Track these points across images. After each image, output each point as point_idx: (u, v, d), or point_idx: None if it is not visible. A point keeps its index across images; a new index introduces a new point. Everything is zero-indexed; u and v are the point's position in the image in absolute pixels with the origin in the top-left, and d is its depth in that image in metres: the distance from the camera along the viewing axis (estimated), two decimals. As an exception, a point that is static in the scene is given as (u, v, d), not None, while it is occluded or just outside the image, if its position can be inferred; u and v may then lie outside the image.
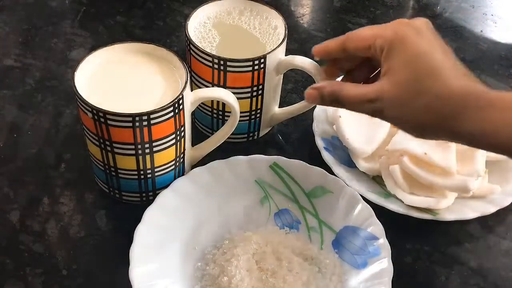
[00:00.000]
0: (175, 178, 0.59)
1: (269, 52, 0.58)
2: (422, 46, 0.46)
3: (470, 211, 0.59)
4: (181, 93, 0.53)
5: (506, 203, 0.60)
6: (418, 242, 0.59)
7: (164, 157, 0.56)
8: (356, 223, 0.56)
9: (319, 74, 0.56)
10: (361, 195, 0.58)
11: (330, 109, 0.65)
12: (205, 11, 0.63)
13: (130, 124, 0.52)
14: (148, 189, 0.58)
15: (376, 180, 0.62)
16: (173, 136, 0.55)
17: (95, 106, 0.51)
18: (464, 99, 0.45)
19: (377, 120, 0.50)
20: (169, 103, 0.52)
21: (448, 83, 0.45)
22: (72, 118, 0.68)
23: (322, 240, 0.57)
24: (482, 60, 0.80)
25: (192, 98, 0.56)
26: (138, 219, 0.54)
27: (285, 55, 0.61)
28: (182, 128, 0.56)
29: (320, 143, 0.63)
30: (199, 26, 0.62)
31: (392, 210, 0.58)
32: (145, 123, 0.52)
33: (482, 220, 0.60)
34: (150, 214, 0.55)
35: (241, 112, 0.59)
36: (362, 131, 0.61)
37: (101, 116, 0.51)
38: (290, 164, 0.60)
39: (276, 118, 0.66)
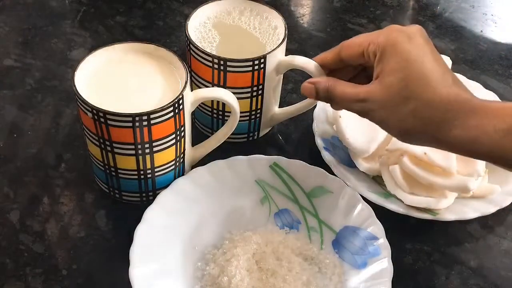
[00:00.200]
0: (175, 178, 0.59)
1: (269, 52, 0.58)
2: (413, 52, 0.47)
3: (470, 211, 0.59)
4: (181, 93, 0.53)
5: (506, 203, 0.60)
6: (418, 242, 0.59)
7: (164, 157, 0.56)
8: (356, 223, 0.56)
9: (319, 74, 0.56)
10: (361, 195, 0.58)
11: (330, 109, 0.65)
12: (205, 11, 0.63)
13: (130, 124, 0.52)
14: (148, 189, 0.58)
15: (376, 180, 0.62)
16: (173, 136, 0.55)
17: (95, 106, 0.51)
18: (449, 107, 0.46)
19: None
20: (169, 103, 0.52)
21: (436, 90, 0.46)
22: (72, 118, 0.68)
23: (322, 240, 0.57)
24: (482, 60, 0.80)
25: (192, 98, 0.56)
26: (138, 219, 0.54)
27: (285, 55, 0.61)
28: (182, 128, 0.56)
29: (320, 143, 0.63)
30: (199, 26, 0.62)
31: (392, 210, 0.58)
32: (145, 123, 0.52)
33: (482, 220, 0.61)
34: (150, 214, 0.55)
35: (241, 112, 0.59)
36: (362, 131, 0.61)
37: (101, 116, 0.51)
38: (290, 164, 0.60)
39: (276, 118, 0.66)
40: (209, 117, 0.64)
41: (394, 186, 0.59)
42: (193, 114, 0.66)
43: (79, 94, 0.52)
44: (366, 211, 0.56)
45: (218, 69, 0.58)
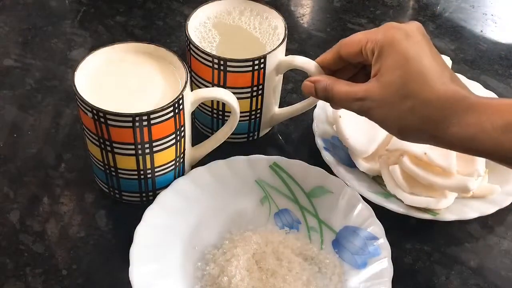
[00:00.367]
0: (175, 178, 0.59)
1: (269, 52, 0.58)
2: (411, 50, 0.47)
3: (470, 211, 0.59)
4: (181, 93, 0.53)
5: (506, 203, 0.60)
6: (418, 242, 0.59)
7: (164, 157, 0.56)
8: (356, 223, 0.56)
9: (319, 75, 0.56)
10: (361, 195, 0.58)
11: (330, 109, 0.65)
12: (205, 11, 0.63)
13: (130, 124, 0.52)
14: (148, 189, 0.58)
15: (376, 180, 0.62)
16: (173, 136, 0.55)
17: (95, 106, 0.51)
18: (447, 105, 0.46)
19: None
20: (169, 103, 0.52)
21: (434, 88, 0.46)
22: (72, 118, 0.68)
23: (322, 240, 0.57)
24: (482, 60, 0.80)
25: (192, 98, 0.56)
26: (138, 219, 0.54)
27: (285, 55, 0.61)
28: (182, 128, 0.56)
29: (320, 143, 0.63)
30: (199, 26, 0.62)
31: (392, 210, 0.58)
32: (145, 123, 0.52)
33: (482, 220, 0.61)
34: (150, 214, 0.55)
35: (241, 112, 0.59)
36: (362, 131, 0.61)
37: (101, 116, 0.51)
38: (290, 164, 0.60)
39: (276, 119, 0.66)
40: (209, 117, 0.64)
41: (394, 186, 0.59)
42: (193, 114, 0.66)
43: (79, 94, 0.52)
44: (366, 211, 0.56)
45: (218, 69, 0.58)
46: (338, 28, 0.84)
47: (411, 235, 0.59)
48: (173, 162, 0.57)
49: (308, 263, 0.55)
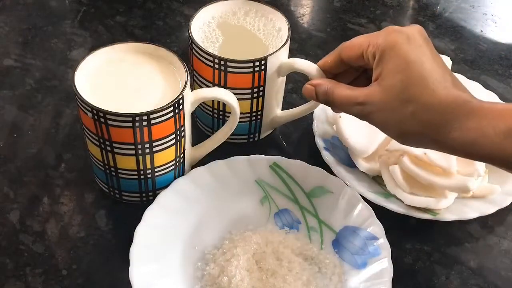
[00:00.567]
0: (175, 178, 0.59)
1: (270, 54, 0.58)
2: (412, 54, 0.47)
3: (470, 211, 0.59)
4: (181, 93, 0.53)
5: (506, 203, 0.60)
6: (418, 242, 0.59)
7: (164, 157, 0.56)
8: (356, 223, 0.56)
9: (320, 78, 0.56)
10: (361, 195, 0.58)
11: (330, 109, 0.65)
12: (210, 10, 0.63)
13: (130, 124, 0.52)
14: (148, 189, 0.58)
15: (376, 180, 0.62)
16: (173, 136, 0.55)
17: (95, 106, 0.51)
18: (449, 109, 0.46)
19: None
20: (169, 103, 0.52)
21: (435, 92, 0.46)
22: (72, 118, 0.68)
23: (322, 240, 0.57)
24: (482, 60, 0.80)
25: (192, 98, 0.56)
26: (138, 219, 0.54)
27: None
28: (182, 128, 0.56)
29: (320, 143, 0.63)
30: (203, 26, 0.62)
31: (392, 210, 0.58)
32: (145, 123, 0.52)
33: (482, 220, 0.61)
34: (150, 214, 0.55)
35: (241, 113, 0.59)
36: (362, 131, 0.61)
37: (101, 116, 0.51)
38: (290, 164, 0.60)
39: (278, 121, 0.66)
40: (209, 117, 0.64)
41: (394, 186, 0.59)
42: (194, 113, 0.66)
43: (79, 94, 0.52)
44: (366, 211, 0.56)
45: (219, 69, 0.58)
46: (338, 28, 0.84)
47: (411, 235, 0.59)
48: (173, 162, 0.57)
49: (308, 263, 0.55)
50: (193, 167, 0.61)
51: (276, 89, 0.62)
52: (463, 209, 0.59)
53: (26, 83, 0.72)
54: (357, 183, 0.60)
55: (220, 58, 0.57)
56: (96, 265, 0.55)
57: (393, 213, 0.58)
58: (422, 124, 0.46)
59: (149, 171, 0.56)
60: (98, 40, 0.78)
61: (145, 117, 0.52)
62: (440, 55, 0.49)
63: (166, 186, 0.58)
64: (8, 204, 0.59)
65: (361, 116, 0.50)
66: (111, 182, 0.58)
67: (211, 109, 0.63)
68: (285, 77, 0.63)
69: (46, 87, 0.71)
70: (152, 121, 0.52)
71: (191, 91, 0.56)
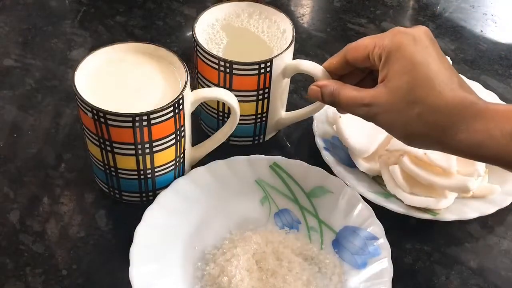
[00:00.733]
0: (175, 178, 0.59)
1: (275, 56, 0.58)
2: (418, 55, 0.47)
3: (470, 211, 0.59)
4: (181, 93, 0.53)
5: (506, 203, 0.60)
6: (418, 242, 0.59)
7: (164, 157, 0.56)
8: (356, 223, 0.56)
9: (326, 79, 0.56)
10: (361, 195, 0.58)
11: (330, 109, 0.65)
12: (214, 12, 0.62)
13: (130, 124, 0.52)
14: (148, 189, 0.58)
15: (376, 180, 0.62)
16: (173, 136, 0.55)
17: (95, 106, 0.51)
18: (455, 111, 0.46)
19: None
20: (169, 103, 0.52)
21: (442, 94, 0.46)
22: (72, 118, 0.68)
23: (322, 240, 0.57)
24: (482, 60, 0.80)
25: (192, 98, 0.56)
26: (138, 219, 0.54)
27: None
28: (182, 128, 0.56)
29: (320, 143, 0.63)
30: (207, 28, 0.62)
31: (392, 210, 0.58)
32: (145, 123, 0.52)
33: (482, 220, 0.61)
34: (150, 214, 0.55)
35: (246, 115, 0.60)
36: (362, 131, 0.61)
37: (101, 116, 0.51)
38: (290, 164, 0.60)
39: (283, 123, 0.66)
40: (215, 120, 0.64)
41: (394, 186, 0.59)
42: (199, 115, 0.66)
43: (79, 94, 0.52)
44: (366, 211, 0.56)
45: (224, 72, 0.58)
46: (338, 28, 0.84)
47: (411, 235, 0.59)
48: (173, 162, 0.57)
49: (308, 263, 0.55)
50: (193, 167, 0.61)
51: (281, 90, 0.62)
52: (463, 209, 0.59)
53: (26, 83, 0.72)
54: (357, 183, 0.60)
55: (225, 61, 0.57)
56: (96, 265, 0.55)
57: (393, 213, 0.58)
58: (428, 126, 0.46)
59: (149, 171, 0.56)
60: (98, 40, 0.78)
61: (145, 117, 0.52)
62: (446, 57, 0.49)
63: (166, 186, 0.58)
64: (8, 204, 0.59)
65: (367, 117, 0.50)
66: (111, 182, 0.58)
67: (216, 111, 0.63)
68: (289, 78, 0.62)
69: (46, 87, 0.71)
70: (152, 121, 0.52)
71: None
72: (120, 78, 0.56)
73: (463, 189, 0.58)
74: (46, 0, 0.84)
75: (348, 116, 0.61)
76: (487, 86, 0.73)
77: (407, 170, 0.59)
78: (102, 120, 0.52)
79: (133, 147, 0.54)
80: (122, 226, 0.58)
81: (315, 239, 0.57)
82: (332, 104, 0.53)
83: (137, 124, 0.52)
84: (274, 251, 0.55)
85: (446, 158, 0.57)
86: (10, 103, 0.69)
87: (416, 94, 0.46)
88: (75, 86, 0.53)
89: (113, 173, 0.57)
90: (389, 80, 0.48)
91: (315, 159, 0.62)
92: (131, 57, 0.57)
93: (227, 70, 0.58)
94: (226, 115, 0.63)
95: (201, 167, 0.59)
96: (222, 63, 0.57)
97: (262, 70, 0.58)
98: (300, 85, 0.73)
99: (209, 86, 0.60)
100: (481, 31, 0.85)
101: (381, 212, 0.57)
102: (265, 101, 0.61)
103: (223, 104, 0.61)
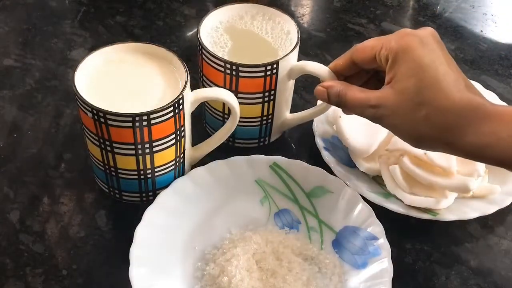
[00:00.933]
0: (175, 178, 0.59)
1: (281, 58, 0.58)
2: (425, 57, 0.47)
3: (470, 211, 0.59)
4: (181, 93, 0.53)
5: (506, 203, 0.60)
6: (418, 242, 0.59)
7: (164, 157, 0.56)
8: (356, 223, 0.56)
9: (332, 80, 0.56)
10: (361, 195, 0.58)
11: (330, 109, 0.65)
12: (217, 15, 0.62)
13: (130, 124, 0.52)
14: (148, 189, 0.58)
15: (376, 180, 0.62)
16: (173, 136, 0.55)
17: (95, 106, 0.51)
18: (463, 113, 0.46)
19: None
20: (169, 103, 0.52)
21: (449, 96, 0.46)
22: (72, 118, 0.68)
23: (322, 240, 0.57)
24: (482, 60, 0.80)
25: (192, 98, 0.56)
26: (138, 219, 0.54)
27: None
28: (182, 128, 0.56)
29: (320, 143, 0.63)
30: (211, 31, 0.62)
31: (392, 210, 0.58)
32: (145, 123, 0.52)
33: (482, 220, 0.61)
34: (150, 214, 0.55)
35: (252, 117, 0.60)
36: (362, 131, 0.61)
37: (101, 116, 0.51)
38: (290, 164, 0.60)
39: (288, 124, 0.66)
40: (220, 122, 0.63)
41: (394, 186, 0.59)
42: (203, 117, 0.66)
43: (79, 94, 0.52)
44: (366, 211, 0.56)
45: (230, 74, 0.58)
46: (338, 28, 0.84)
47: (411, 235, 0.59)
48: (173, 162, 0.57)
49: (308, 263, 0.55)
50: (193, 167, 0.61)
51: (287, 92, 0.62)
52: (463, 209, 0.59)
53: (26, 83, 0.72)
54: (357, 183, 0.60)
55: (231, 63, 0.57)
56: (96, 265, 0.55)
57: (393, 213, 0.58)
58: (435, 128, 0.46)
59: (149, 171, 0.56)
60: (98, 40, 0.78)
61: (145, 117, 0.52)
62: (452, 59, 0.49)
63: (166, 186, 0.58)
64: (8, 204, 0.59)
65: (374, 119, 0.50)
66: (111, 182, 0.58)
67: (221, 113, 0.63)
68: (294, 80, 0.62)
69: (46, 87, 0.71)
70: (152, 121, 0.52)
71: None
72: (120, 78, 0.56)
73: (463, 189, 0.58)
74: (46, 0, 0.84)
75: (348, 116, 0.61)
76: (487, 86, 0.73)
77: (407, 170, 0.59)
78: (102, 120, 0.52)
79: (133, 147, 0.54)
80: (122, 226, 0.58)
81: (315, 239, 0.57)
82: (338, 105, 0.53)
83: (137, 124, 0.52)
84: (274, 251, 0.55)
85: (446, 158, 0.57)
86: (10, 103, 0.69)
87: (423, 95, 0.46)
88: (75, 86, 0.53)
89: (113, 173, 0.57)
90: (396, 82, 0.48)
91: (315, 159, 0.62)
92: (131, 57, 0.57)
93: (233, 72, 0.58)
94: None
95: (201, 167, 0.59)
96: (228, 65, 0.57)
97: (268, 72, 0.58)
98: (300, 85, 0.73)
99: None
100: (481, 31, 0.85)
101: (381, 212, 0.57)
102: (271, 103, 0.61)
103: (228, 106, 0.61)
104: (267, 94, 0.60)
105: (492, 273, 0.57)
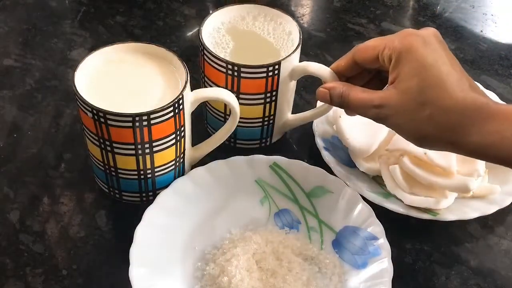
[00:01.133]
0: (175, 178, 0.59)
1: (283, 59, 0.58)
2: (428, 57, 0.47)
3: (470, 211, 0.59)
4: (181, 93, 0.53)
5: (506, 203, 0.60)
6: (418, 242, 0.59)
7: (164, 157, 0.56)
8: (356, 223, 0.56)
9: (334, 81, 0.56)
10: (361, 195, 0.58)
11: (331, 109, 0.65)
12: (218, 16, 0.62)
13: (130, 124, 0.52)
14: (148, 189, 0.58)
15: (376, 180, 0.62)
16: (173, 136, 0.55)
17: (95, 106, 0.51)
18: (466, 112, 0.46)
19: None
20: (169, 103, 0.52)
21: (452, 95, 0.46)
22: (72, 118, 0.68)
23: (322, 240, 0.57)
24: (482, 60, 0.80)
25: (192, 98, 0.56)
26: (138, 219, 0.54)
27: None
28: (182, 128, 0.56)
29: (320, 143, 0.63)
30: (213, 32, 0.62)
31: (392, 210, 0.58)
32: (145, 123, 0.52)
33: (482, 220, 0.61)
34: (150, 214, 0.55)
35: (254, 118, 0.60)
36: (362, 131, 0.61)
37: (101, 116, 0.51)
38: (290, 164, 0.60)
39: (289, 125, 0.66)
40: (221, 122, 0.63)
41: (394, 186, 0.59)
42: (205, 118, 0.66)
43: (79, 94, 0.52)
44: (366, 211, 0.56)
45: (232, 75, 0.58)
46: (338, 28, 0.83)
47: (411, 235, 0.59)
48: (173, 162, 0.57)
49: (308, 263, 0.55)
50: (193, 167, 0.61)
51: (288, 93, 0.62)
52: (463, 209, 0.59)
53: (26, 83, 0.72)
54: (357, 183, 0.60)
55: (233, 64, 0.57)
56: (96, 265, 0.55)
57: (393, 213, 0.58)
58: (439, 127, 0.46)
59: (149, 171, 0.56)
60: (98, 40, 0.78)
61: (145, 117, 0.52)
62: (456, 58, 0.49)
63: (166, 186, 0.58)
64: (8, 204, 0.59)
65: (377, 119, 0.50)
66: (111, 182, 0.58)
67: (223, 115, 0.63)
68: (296, 81, 0.62)
69: (46, 87, 0.71)
70: (152, 121, 0.52)
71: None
72: (120, 78, 0.56)
73: (463, 189, 0.58)
74: (46, 0, 0.84)
75: (348, 116, 0.61)
76: (487, 86, 0.73)
77: (407, 170, 0.59)
78: (102, 120, 0.52)
79: (133, 147, 0.54)
80: (122, 226, 0.58)
81: (315, 239, 0.57)
82: (341, 106, 0.53)
83: (137, 124, 0.52)
84: (274, 251, 0.55)
85: (446, 158, 0.57)
86: (10, 103, 0.69)
87: (427, 95, 0.46)
88: (75, 86, 0.53)
89: (113, 173, 0.57)
90: (400, 82, 0.48)
91: (315, 159, 0.62)
92: (131, 57, 0.57)
93: (235, 73, 0.58)
94: None
95: (201, 167, 0.59)
96: (230, 66, 0.57)
97: (270, 73, 0.58)
98: (300, 85, 0.73)
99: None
100: (481, 31, 0.85)
101: (381, 212, 0.57)
102: (273, 103, 0.61)
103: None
104: (269, 95, 0.60)
105: (492, 273, 0.57)
